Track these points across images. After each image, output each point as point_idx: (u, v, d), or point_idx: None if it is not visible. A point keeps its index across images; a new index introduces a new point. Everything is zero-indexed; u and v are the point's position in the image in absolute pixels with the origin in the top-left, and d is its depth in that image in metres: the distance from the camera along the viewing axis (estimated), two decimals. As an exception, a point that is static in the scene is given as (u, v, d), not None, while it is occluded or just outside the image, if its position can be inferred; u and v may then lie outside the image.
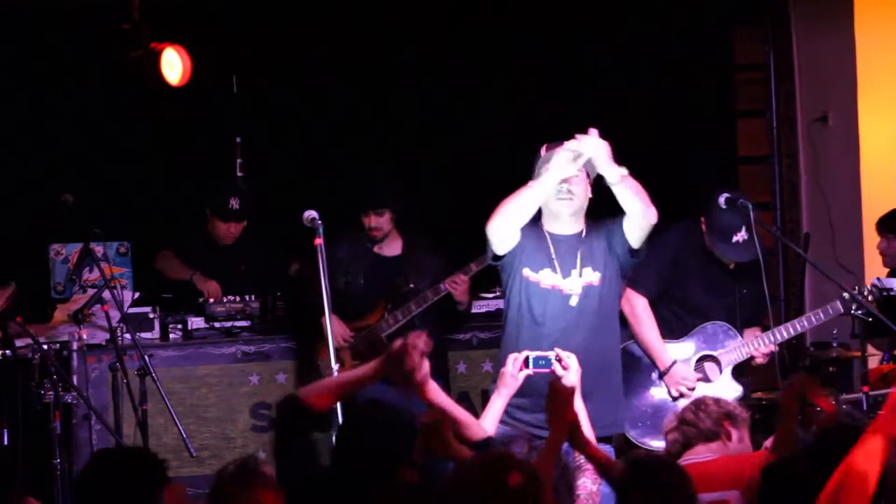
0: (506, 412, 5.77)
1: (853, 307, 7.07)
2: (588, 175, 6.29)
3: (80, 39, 8.75)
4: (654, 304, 7.05)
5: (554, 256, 6.26)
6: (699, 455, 5.19)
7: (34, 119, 9.11)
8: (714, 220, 6.94)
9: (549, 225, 6.32)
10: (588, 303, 6.25)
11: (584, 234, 6.34)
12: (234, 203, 8.64)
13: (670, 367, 6.92)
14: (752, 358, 7.04)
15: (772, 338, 6.99)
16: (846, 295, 7.08)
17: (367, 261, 8.08)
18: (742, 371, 7.09)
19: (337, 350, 7.75)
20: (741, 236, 6.84)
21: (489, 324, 8.42)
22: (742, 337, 6.99)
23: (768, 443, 5.37)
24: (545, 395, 5.37)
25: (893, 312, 7.11)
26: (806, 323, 7.08)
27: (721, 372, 6.98)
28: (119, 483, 4.29)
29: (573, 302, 6.23)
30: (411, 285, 7.93)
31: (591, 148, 6.08)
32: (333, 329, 7.36)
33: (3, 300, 7.63)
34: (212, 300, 8.31)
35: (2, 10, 8.59)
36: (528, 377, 5.75)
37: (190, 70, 8.39)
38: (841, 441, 4.03)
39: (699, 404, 5.34)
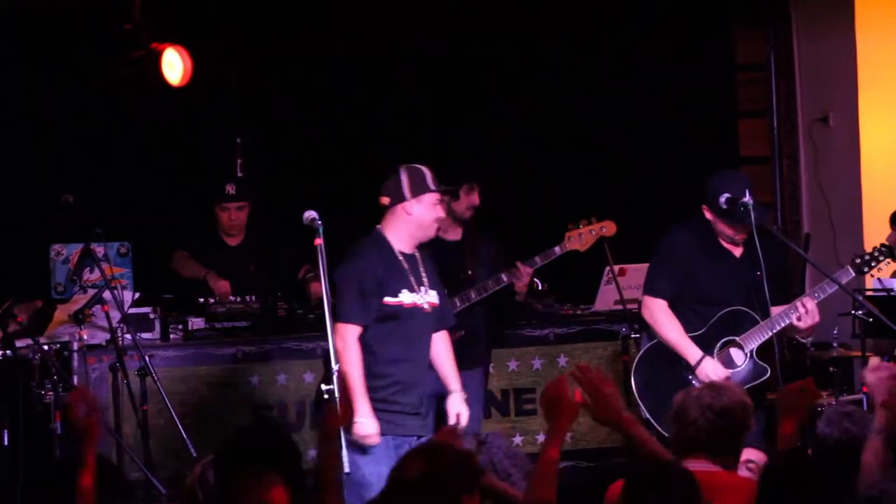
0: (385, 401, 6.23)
1: (865, 269, 7.06)
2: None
3: (80, 39, 8.75)
4: (671, 305, 7.03)
5: (409, 274, 6.44)
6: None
7: (34, 119, 9.11)
8: (716, 201, 6.89)
9: (396, 244, 6.47)
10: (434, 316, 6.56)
11: (416, 254, 6.52)
12: (230, 188, 8.68)
13: (700, 361, 6.90)
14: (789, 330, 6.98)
15: (817, 294, 6.94)
16: (857, 260, 7.05)
17: (428, 244, 8.06)
18: (766, 353, 7.04)
19: None
20: (749, 200, 6.81)
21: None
22: (771, 315, 6.94)
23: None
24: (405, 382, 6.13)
25: (893, 312, 7.10)
26: (821, 293, 7.01)
27: (746, 355, 6.96)
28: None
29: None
30: (469, 272, 7.90)
31: None
32: None
33: (26, 316, 7.64)
34: (213, 300, 8.29)
35: (2, 10, 8.58)
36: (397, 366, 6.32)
37: (190, 70, 8.39)
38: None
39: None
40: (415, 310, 6.43)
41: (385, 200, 6.44)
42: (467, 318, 7.64)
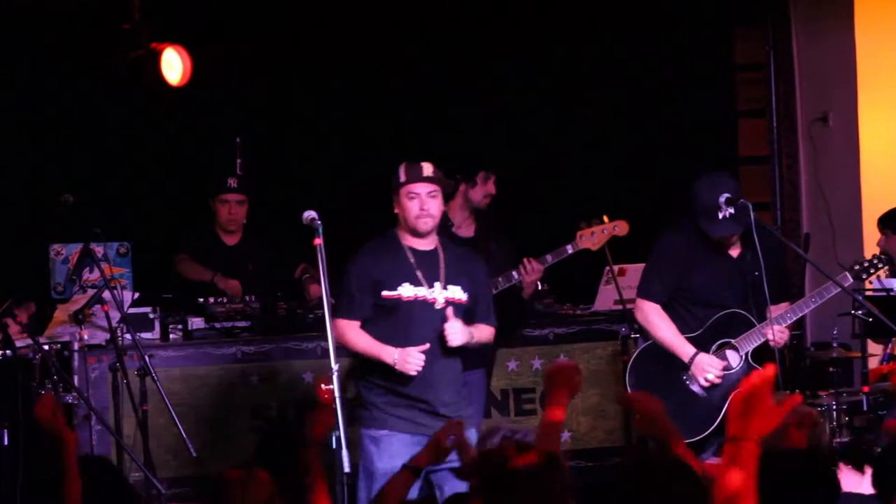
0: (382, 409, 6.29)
1: (863, 275, 7.06)
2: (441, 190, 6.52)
3: (80, 39, 8.75)
4: (668, 303, 7.03)
5: (417, 269, 6.47)
6: None
7: (34, 119, 9.11)
8: (699, 202, 6.89)
9: (408, 240, 6.52)
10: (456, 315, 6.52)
11: (439, 251, 6.54)
12: (232, 182, 8.71)
13: (693, 357, 6.90)
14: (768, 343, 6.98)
15: (783, 320, 6.95)
16: (857, 267, 7.04)
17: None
18: (761, 356, 7.04)
19: None
20: (727, 211, 6.81)
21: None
22: (770, 315, 6.93)
23: None
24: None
25: (893, 312, 7.10)
26: (818, 298, 7.02)
27: (741, 358, 6.96)
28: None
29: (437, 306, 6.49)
30: None
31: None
32: None
33: (25, 317, 7.64)
34: (223, 300, 8.29)
35: (2, 10, 8.59)
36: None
37: (190, 70, 8.41)
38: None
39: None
40: (417, 303, 6.43)
41: None
42: None
